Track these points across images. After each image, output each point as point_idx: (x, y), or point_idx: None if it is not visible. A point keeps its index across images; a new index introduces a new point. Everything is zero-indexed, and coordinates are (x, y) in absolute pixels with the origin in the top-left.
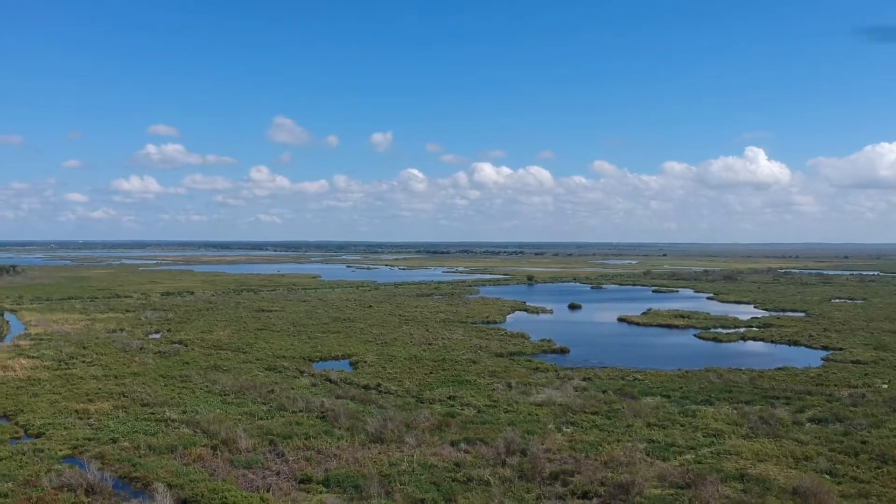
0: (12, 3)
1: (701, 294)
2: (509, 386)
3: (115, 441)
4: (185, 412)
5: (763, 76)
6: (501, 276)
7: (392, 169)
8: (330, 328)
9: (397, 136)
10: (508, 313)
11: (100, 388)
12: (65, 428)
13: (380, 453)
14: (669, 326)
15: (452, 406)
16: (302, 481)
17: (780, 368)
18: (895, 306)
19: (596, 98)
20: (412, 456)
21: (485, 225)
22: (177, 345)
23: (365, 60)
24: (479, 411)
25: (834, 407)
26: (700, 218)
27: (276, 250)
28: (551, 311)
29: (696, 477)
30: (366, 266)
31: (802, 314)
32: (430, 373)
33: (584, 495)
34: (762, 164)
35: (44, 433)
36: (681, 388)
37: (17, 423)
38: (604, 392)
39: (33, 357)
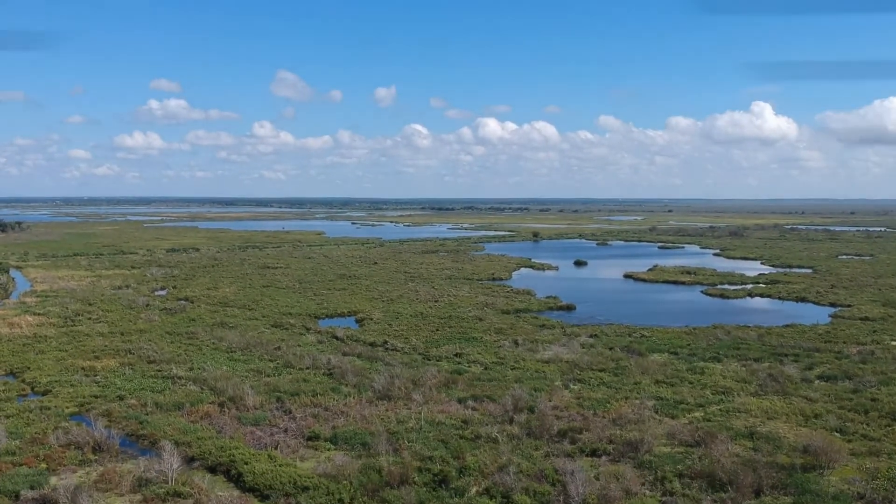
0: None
1: (707, 250)
2: (516, 343)
3: (121, 398)
4: (191, 369)
5: (770, 27)
6: (506, 233)
7: (396, 124)
8: (335, 285)
9: (401, 91)
10: (514, 270)
11: (106, 346)
12: (71, 385)
13: (387, 410)
14: (676, 283)
15: (459, 363)
16: (310, 438)
17: (788, 325)
18: None
19: (602, 51)
20: (420, 413)
21: (490, 181)
22: (183, 301)
23: (368, 13)
24: (485, 368)
25: (843, 364)
26: (706, 173)
27: (280, 207)
28: (557, 268)
29: (705, 435)
30: (371, 223)
31: (809, 270)
32: (437, 330)
33: (593, 453)
34: (769, 119)
35: (50, 390)
36: (688, 344)
37: (23, 381)
38: (611, 349)
39: (39, 314)
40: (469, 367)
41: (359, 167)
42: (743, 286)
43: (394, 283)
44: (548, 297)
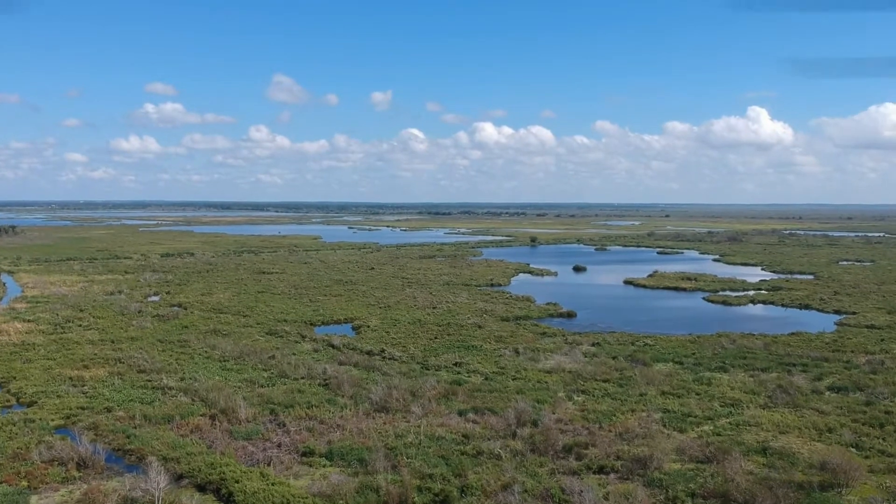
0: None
1: (706, 256)
2: (517, 352)
3: (109, 410)
4: (182, 379)
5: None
6: (504, 238)
7: (392, 128)
8: (332, 291)
9: (397, 95)
10: (512, 276)
11: (95, 354)
12: (58, 396)
13: (385, 423)
14: (677, 289)
15: (459, 373)
16: (304, 454)
17: (793, 333)
18: None
19: (597, 55)
20: (419, 427)
21: (486, 185)
22: (176, 308)
23: (364, 17)
24: (486, 378)
25: (853, 375)
26: (701, 178)
27: (276, 211)
28: (556, 274)
29: (717, 451)
30: (367, 227)
31: (811, 277)
32: (435, 338)
33: (601, 470)
34: (765, 124)
35: (36, 402)
36: (693, 354)
37: (8, 391)
38: (614, 358)
39: (29, 320)
40: (469, 377)
41: (355, 171)
42: (745, 293)
43: (391, 289)
44: (548, 304)
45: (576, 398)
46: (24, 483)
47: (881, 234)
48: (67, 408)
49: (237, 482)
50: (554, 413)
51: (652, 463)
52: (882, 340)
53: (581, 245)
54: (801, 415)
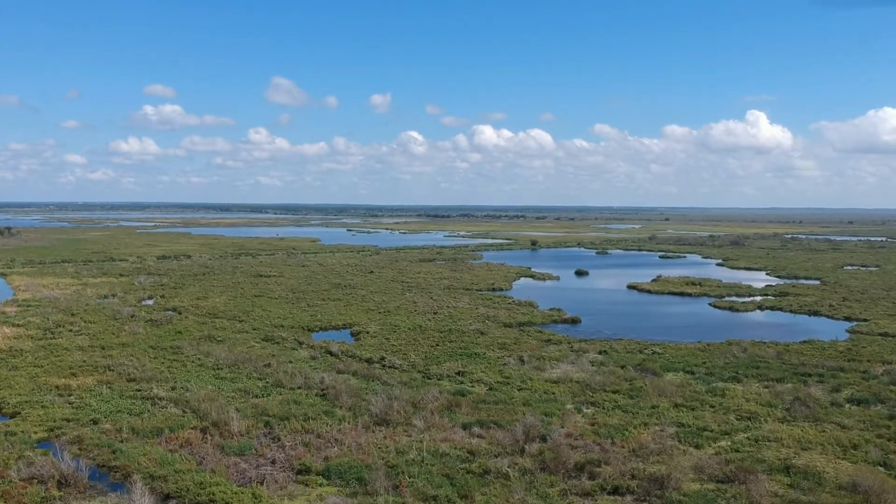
0: None
1: (709, 260)
2: (521, 360)
3: (95, 422)
4: (174, 388)
5: (766, 36)
6: (504, 241)
7: (392, 131)
8: (330, 295)
9: (396, 98)
10: (514, 280)
11: (84, 361)
12: (42, 406)
13: (385, 438)
14: (681, 294)
15: (462, 383)
16: (299, 472)
17: (805, 341)
18: None
19: (597, 58)
20: (421, 442)
21: (485, 188)
22: (170, 312)
23: (363, 20)
24: (490, 388)
25: (872, 386)
26: (701, 182)
27: (276, 213)
28: (558, 278)
29: (739, 470)
30: (366, 230)
31: (817, 282)
32: (437, 345)
33: (615, 490)
34: (763, 128)
35: (19, 412)
36: (704, 362)
37: None
38: (622, 367)
39: (18, 325)
40: (472, 386)
41: (354, 173)
42: (752, 298)
43: (391, 294)
44: (551, 310)
45: (585, 411)
46: (1, 503)
47: (883, 239)
48: (52, 419)
49: None
50: (563, 427)
51: (670, 483)
52: None
53: (582, 248)
54: (823, 429)
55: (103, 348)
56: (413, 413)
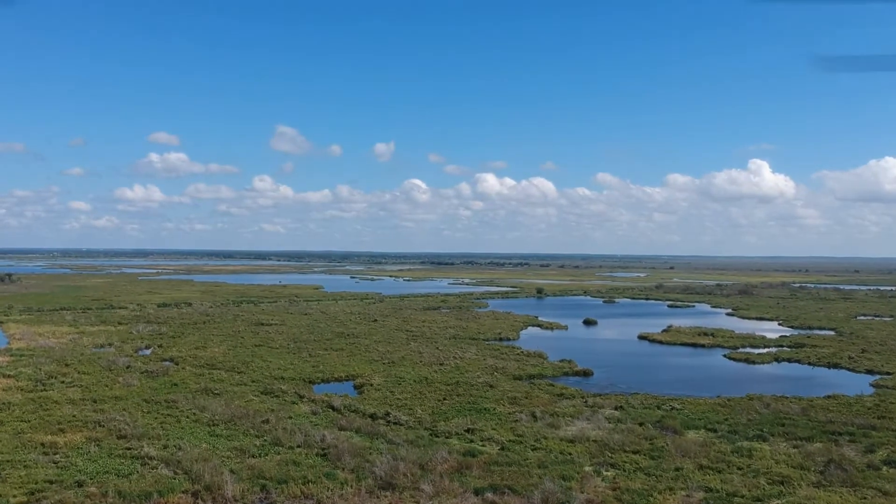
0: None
1: (719, 309)
2: (534, 416)
3: (80, 485)
4: (165, 447)
5: (767, 89)
6: (509, 289)
7: (395, 179)
8: (333, 345)
9: (399, 146)
10: (521, 329)
11: (74, 416)
12: (25, 466)
13: None
14: (694, 345)
15: (472, 441)
16: None
17: (829, 396)
18: None
19: (598, 109)
20: None
21: (488, 236)
22: (167, 363)
23: (366, 69)
24: (502, 448)
25: None
26: (704, 230)
27: (279, 260)
28: (566, 328)
29: None
30: (370, 277)
31: (832, 332)
32: (444, 399)
33: None
34: (766, 177)
35: None
36: (726, 419)
37: None
38: (641, 424)
39: (9, 375)
40: (483, 446)
41: (358, 221)
42: (767, 349)
43: (395, 343)
44: (562, 361)
45: (605, 473)
46: None
47: (893, 289)
48: (34, 481)
49: None
50: (583, 492)
51: None
52: None
53: (588, 297)
54: (863, 496)
55: (95, 401)
56: (421, 476)
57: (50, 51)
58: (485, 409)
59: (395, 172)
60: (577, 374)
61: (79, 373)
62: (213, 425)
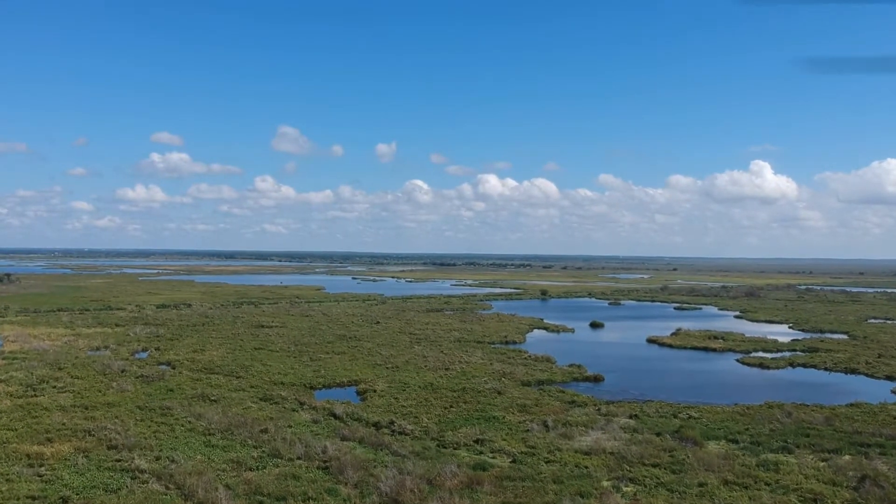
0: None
1: (726, 312)
2: (546, 426)
3: (65, 501)
4: (158, 458)
5: (769, 91)
6: (513, 290)
7: (397, 179)
8: (334, 348)
9: (401, 147)
10: (527, 332)
11: (63, 424)
12: (8, 480)
13: None
14: (705, 349)
15: (481, 453)
16: None
17: (852, 404)
18: None
19: (601, 110)
20: None
21: (491, 237)
22: (163, 366)
23: (368, 69)
24: (514, 461)
25: None
26: (706, 231)
27: (280, 260)
28: (573, 330)
29: None
30: (372, 278)
31: (844, 336)
32: (451, 406)
33: None
34: (768, 179)
35: None
36: (747, 429)
37: None
38: (658, 434)
39: (0, 380)
40: (494, 458)
41: (359, 221)
42: (780, 354)
43: (398, 346)
44: (571, 366)
45: (624, 489)
46: None
47: None
48: (15, 497)
49: None
50: None
51: None
52: None
53: (593, 299)
54: None
55: (86, 408)
56: (428, 492)
57: (53, 51)
58: (494, 417)
59: (397, 173)
60: (587, 379)
61: (72, 377)
62: (209, 434)
